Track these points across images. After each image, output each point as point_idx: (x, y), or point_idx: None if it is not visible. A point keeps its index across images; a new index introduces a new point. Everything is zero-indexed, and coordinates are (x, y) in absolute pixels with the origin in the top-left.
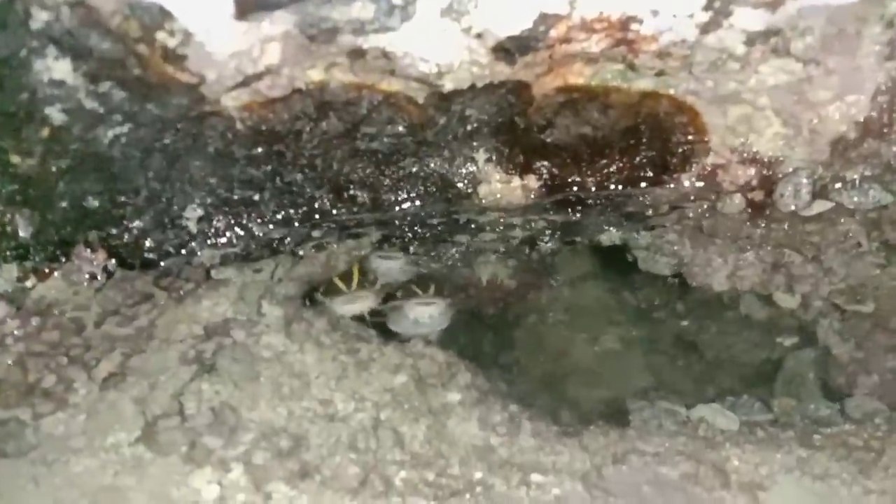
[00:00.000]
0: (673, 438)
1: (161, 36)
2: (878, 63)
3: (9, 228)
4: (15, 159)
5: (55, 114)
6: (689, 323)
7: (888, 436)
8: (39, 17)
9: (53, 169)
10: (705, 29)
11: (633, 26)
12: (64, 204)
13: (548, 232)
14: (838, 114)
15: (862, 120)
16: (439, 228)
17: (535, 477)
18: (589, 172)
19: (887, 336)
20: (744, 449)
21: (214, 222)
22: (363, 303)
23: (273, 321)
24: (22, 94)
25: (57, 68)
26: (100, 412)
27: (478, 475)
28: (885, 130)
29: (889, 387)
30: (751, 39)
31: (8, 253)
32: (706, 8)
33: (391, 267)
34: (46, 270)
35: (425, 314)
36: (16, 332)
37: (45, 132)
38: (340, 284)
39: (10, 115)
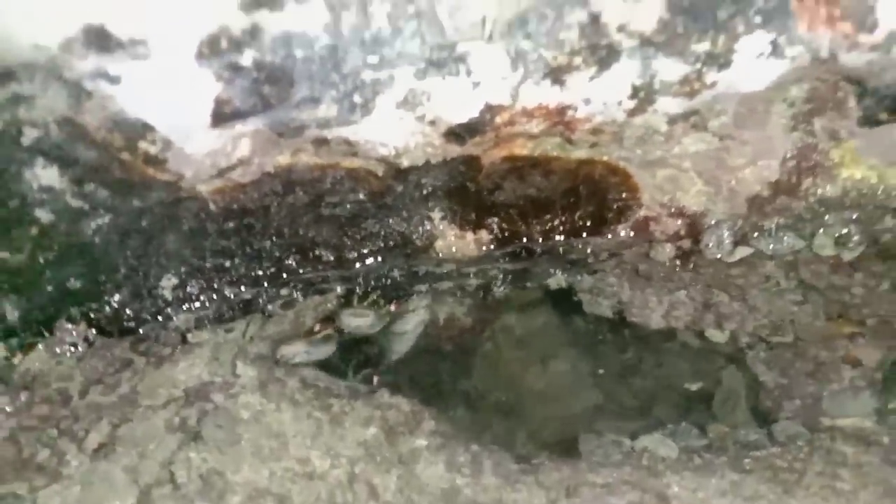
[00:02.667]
0: (620, 469)
1: (143, 145)
2: (785, 134)
3: None
4: (3, 255)
5: (43, 214)
6: (630, 357)
7: (809, 457)
8: (30, 134)
9: (41, 260)
10: (632, 113)
11: (569, 112)
12: (49, 288)
13: (500, 279)
14: (753, 176)
15: (774, 181)
16: (400, 280)
17: None
18: (535, 226)
19: (807, 364)
20: (682, 476)
21: (188, 288)
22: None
23: (248, 381)
24: (13, 201)
25: (45, 176)
26: (93, 483)
27: None
28: (794, 188)
29: (809, 410)
30: (672, 119)
31: None
32: (632, 97)
33: (360, 325)
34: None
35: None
36: (7, 409)
37: (34, 231)
38: None
39: (2, 220)
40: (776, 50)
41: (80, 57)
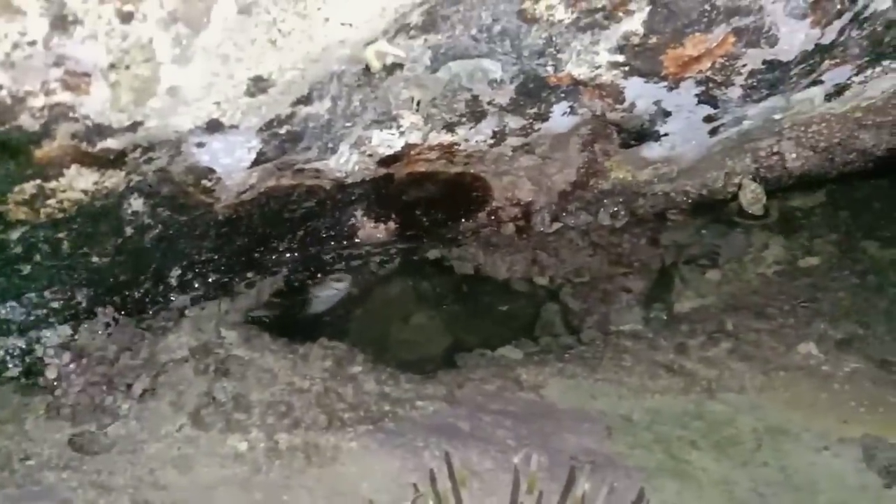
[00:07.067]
0: (486, 369)
1: (204, 181)
2: (578, 154)
3: (72, 301)
4: (95, 258)
5: (128, 230)
6: (486, 299)
7: (604, 350)
8: (134, 179)
9: (116, 262)
10: (492, 146)
11: (454, 147)
12: (111, 280)
13: (397, 255)
14: (560, 179)
15: (573, 181)
16: (327, 260)
17: (419, 402)
18: (426, 217)
19: (598, 294)
20: (528, 368)
21: (187, 277)
22: None
23: (233, 340)
24: (112, 221)
25: (136, 204)
26: (145, 417)
27: (386, 407)
28: (585, 185)
29: (602, 322)
30: (515, 148)
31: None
32: (492, 138)
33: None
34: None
35: None
36: (77, 371)
37: (118, 242)
38: None
39: (103, 234)
40: (573, 111)
41: (196, 136)
